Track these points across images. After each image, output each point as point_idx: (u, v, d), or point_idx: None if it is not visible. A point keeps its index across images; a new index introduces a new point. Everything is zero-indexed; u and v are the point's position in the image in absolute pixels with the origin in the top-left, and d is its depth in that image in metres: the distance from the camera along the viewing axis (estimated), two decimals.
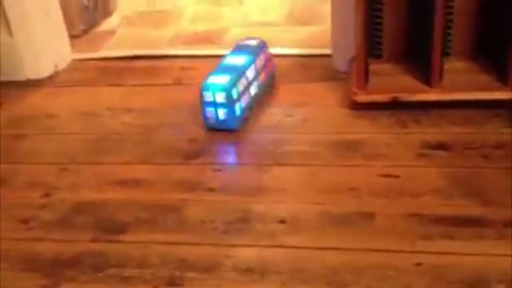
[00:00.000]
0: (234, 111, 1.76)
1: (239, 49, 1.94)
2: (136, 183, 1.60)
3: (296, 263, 1.31)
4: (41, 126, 1.90)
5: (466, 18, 1.79)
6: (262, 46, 1.96)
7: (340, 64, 1.99)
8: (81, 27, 2.44)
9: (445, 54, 1.78)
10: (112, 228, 1.45)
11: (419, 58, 1.81)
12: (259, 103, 1.88)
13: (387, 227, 1.38)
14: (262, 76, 1.92)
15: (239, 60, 1.86)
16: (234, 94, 1.76)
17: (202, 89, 1.76)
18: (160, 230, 1.44)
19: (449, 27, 1.78)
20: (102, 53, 2.29)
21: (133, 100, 1.98)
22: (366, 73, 1.79)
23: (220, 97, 1.74)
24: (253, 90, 1.86)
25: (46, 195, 1.59)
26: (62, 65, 2.22)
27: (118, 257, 1.37)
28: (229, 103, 1.75)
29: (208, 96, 1.76)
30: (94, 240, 1.43)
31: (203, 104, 1.77)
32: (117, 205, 1.53)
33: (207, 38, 2.33)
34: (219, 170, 1.61)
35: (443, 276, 1.24)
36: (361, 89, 1.78)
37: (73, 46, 2.30)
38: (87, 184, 1.62)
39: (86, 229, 1.46)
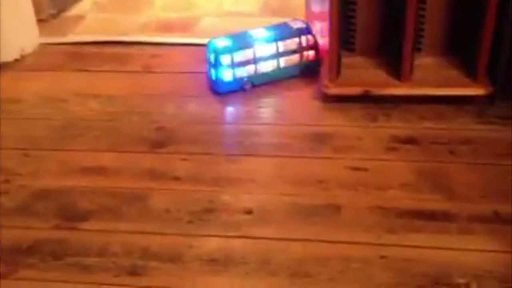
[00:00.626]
0: (221, 76, 1.79)
1: (276, 25, 1.90)
2: (101, 170, 1.56)
3: (262, 254, 1.30)
4: (5, 110, 1.84)
5: (438, 14, 1.80)
6: (303, 31, 1.87)
7: None
8: (50, 11, 2.37)
9: (416, 49, 1.78)
10: (74, 216, 1.42)
11: (391, 53, 1.80)
12: (272, 83, 1.87)
13: (354, 219, 1.37)
14: (289, 59, 1.87)
15: (261, 34, 1.85)
16: (225, 60, 1.78)
17: (207, 45, 1.83)
18: (124, 219, 1.41)
19: (421, 23, 1.78)
20: (71, 38, 2.23)
21: (101, 87, 1.93)
22: (338, 66, 1.78)
23: (212, 58, 1.80)
24: (265, 67, 1.85)
25: (7, 181, 1.54)
26: (29, 49, 2.16)
27: (79, 246, 1.34)
28: (217, 66, 1.79)
29: (208, 54, 1.82)
30: (55, 228, 1.39)
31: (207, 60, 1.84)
32: (80, 192, 1.49)
33: (179, 26, 2.30)
34: (186, 159, 1.59)
35: (407, 269, 1.24)
36: (332, 82, 1.77)
37: (41, 30, 2.24)
38: (50, 171, 1.58)
39: (47, 216, 1.42)
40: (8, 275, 1.27)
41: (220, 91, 1.83)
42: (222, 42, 1.82)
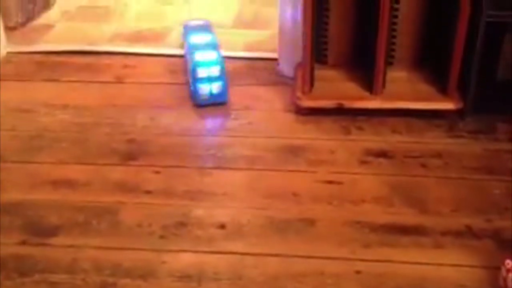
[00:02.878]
0: (226, 83, 1.82)
1: (196, 28, 2.00)
2: (70, 183, 1.52)
3: (235, 270, 1.28)
4: None
5: (410, 28, 1.82)
6: (211, 25, 2.04)
7: (286, 68, 1.98)
8: (18, 19, 2.32)
9: (388, 63, 1.79)
10: (42, 231, 1.38)
11: (363, 66, 1.82)
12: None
13: (328, 234, 1.37)
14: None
15: (207, 38, 1.92)
16: (224, 67, 1.82)
17: (194, 66, 1.80)
18: (94, 234, 1.37)
19: (393, 37, 1.80)
20: (40, 47, 2.19)
21: (70, 97, 1.89)
22: (312, 78, 1.79)
23: (215, 71, 1.80)
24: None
25: None
26: None
27: (46, 262, 1.30)
28: (222, 76, 1.81)
29: (202, 72, 1.80)
30: (22, 243, 1.35)
31: (195, 81, 1.80)
32: (48, 206, 1.45)
33: (150, 37, 2.27)
34: (158, 172, 1.56)
35: (381, 284, 1.24)
36: (305, 94, 1.77)
37: (8, 38, 2.19)
38: (17, 184, 1.53)
39: (14, 231, 1.38)
40: None
41: (224, 101, 1.83)
42: (208, 54, 1.83)
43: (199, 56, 1.82)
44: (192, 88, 1.84)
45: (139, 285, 1.24)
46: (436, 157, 1.60)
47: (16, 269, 1.28)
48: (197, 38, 1.93)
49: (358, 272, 1.26)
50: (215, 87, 1.81)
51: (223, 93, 1.83)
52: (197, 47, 1.87)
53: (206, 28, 2.02)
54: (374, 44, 1.70)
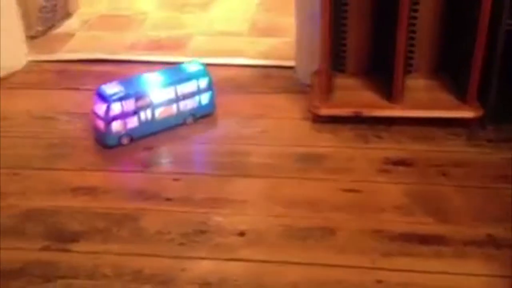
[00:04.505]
0: (214, 94, 1.82)
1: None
2: (91, 190, 1.54)
3: (255, 278, 1.28)
4: None
5: (428, 36, 1.82)
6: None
7: (303, 76, 1.99)
8: (39, 28, 2.35)
9: (407, 71, 1.79)
10: (64, 237, 1.39)
11: (382, 74, 1.82)
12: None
13: (348, 242, 1.36)
14: None
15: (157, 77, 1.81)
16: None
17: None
18: (115, 240, 1.38)
19: (411, 45, 1.80)
20: (60, 56, 2.22)
21: (90, 105, 1.91)
22: (329, 86, 1.79)
23: (203, 83, 1.80)
24: None
25: None
26: (18, 66, 2.13)
27: (69, 268, 1.31)
28: (210, 87, 1.80)
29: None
30: (44, 249, 1.36)
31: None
32: (70, 213, 1.46)
33: (169, 45, 2.29)
34: (178, 179, 1.57)
35: None
36: (323, 103, 1.78)
37: (30, 47, 2.22)
38: (39, 191, 1.55)
39: (36, 237, 1.40)
40: None
41: (212, 112, 1.83)
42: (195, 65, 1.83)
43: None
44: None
45: None
46: (456, 166, 1.59)
47: (40, 275, 1.29)
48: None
49: (379, 281, 1.26)
50: (204, 98, 1.81)
51: (211, 104, 1.82)
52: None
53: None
54: (392, 52, 1.70)
